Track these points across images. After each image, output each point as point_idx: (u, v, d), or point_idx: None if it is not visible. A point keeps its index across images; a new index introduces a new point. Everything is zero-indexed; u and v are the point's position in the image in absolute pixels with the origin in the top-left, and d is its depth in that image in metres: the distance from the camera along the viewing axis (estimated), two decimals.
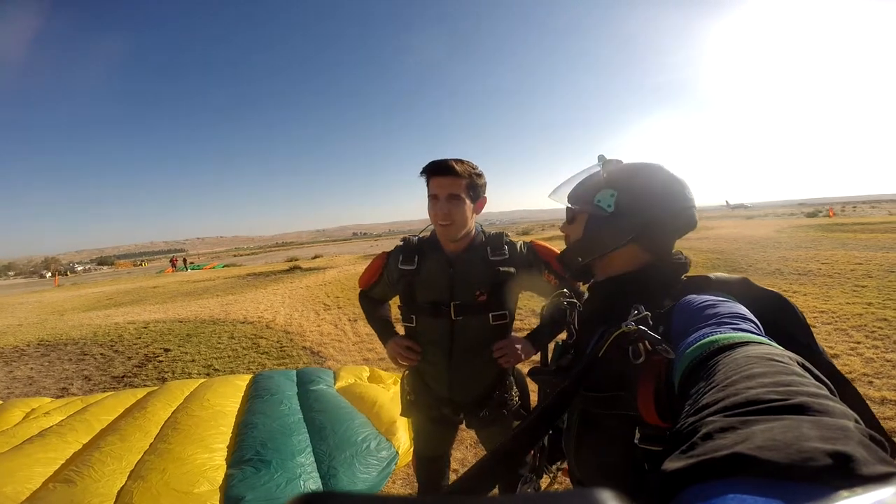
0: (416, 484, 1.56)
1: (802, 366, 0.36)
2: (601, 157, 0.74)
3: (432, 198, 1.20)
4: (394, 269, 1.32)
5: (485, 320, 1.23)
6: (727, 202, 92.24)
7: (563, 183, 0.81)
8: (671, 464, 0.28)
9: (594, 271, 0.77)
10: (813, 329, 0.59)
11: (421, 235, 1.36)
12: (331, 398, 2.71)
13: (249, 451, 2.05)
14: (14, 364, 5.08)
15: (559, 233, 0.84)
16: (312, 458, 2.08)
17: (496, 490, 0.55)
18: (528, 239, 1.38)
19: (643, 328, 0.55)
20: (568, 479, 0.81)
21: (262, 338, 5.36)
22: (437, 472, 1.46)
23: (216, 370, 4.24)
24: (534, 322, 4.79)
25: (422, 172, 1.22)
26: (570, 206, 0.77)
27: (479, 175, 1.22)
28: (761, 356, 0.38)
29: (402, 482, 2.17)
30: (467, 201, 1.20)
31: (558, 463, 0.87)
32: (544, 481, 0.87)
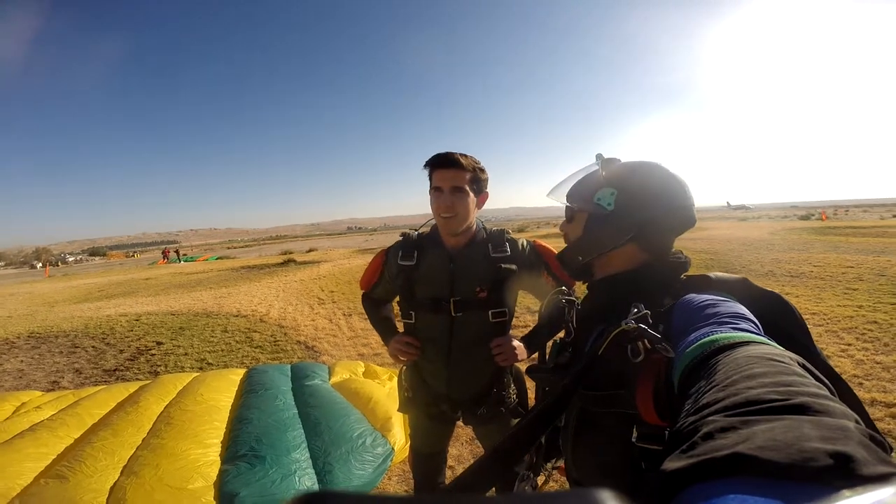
0: (412, 480, 1.56)
1: (803, 366, 0.36)
2: (599, 156, 0.74)
3: (436, 190, 1.20)
4: (393, 264, 1.31)
5: (484, 317, 1.22)
6: (728, 203, 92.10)
7: (562, 182, 0.80)
8: (671, 463, 0.28)
9: (593, 270, 0.77)
10: None
11: (420, 231, 1.35)
12: (326, 393, 2.70)
13: (244, 446, 2.03)
14: (4, 357, 5.01)
15: (555, 231, 0.84)
16: (308, 454, 2.08)
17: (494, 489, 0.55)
18: (527, 237, 1.38)
19: (643, 326, 0.55)
20: (564, 478, 0.81)
21: (255, 331, 5.34)
22: (434, 468, 1.46)
23: (209, 364, 4.21)
24: (529, 319, 4.80)
25: (426, 165, 1.22)
26: (569, 204, 0.77)
27: (483, 170, 1.23)
28: (762, 356, 0.38)
29: (398, 478, 2.17)
30: (471, 194, 1.20)
31: (553, 461, 0.88)
32: (540, 479, 0.88)
